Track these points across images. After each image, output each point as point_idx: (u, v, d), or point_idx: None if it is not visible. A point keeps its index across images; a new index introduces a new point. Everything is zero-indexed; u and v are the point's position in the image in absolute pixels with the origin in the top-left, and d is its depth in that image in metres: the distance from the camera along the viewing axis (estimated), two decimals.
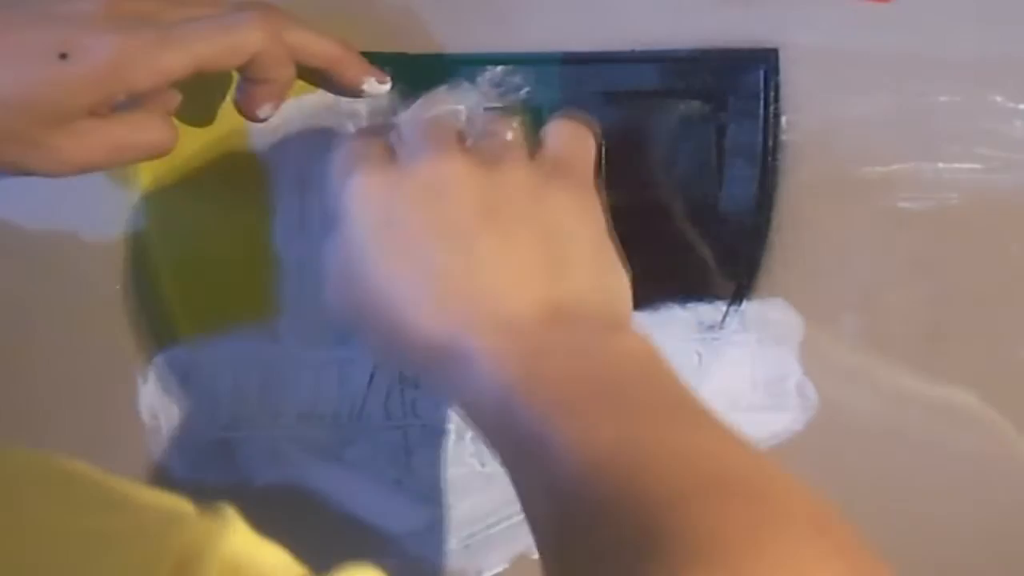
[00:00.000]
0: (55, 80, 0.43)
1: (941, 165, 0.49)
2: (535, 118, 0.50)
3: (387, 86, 0.48)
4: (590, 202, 0.44)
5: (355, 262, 0.42)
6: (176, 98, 0.48)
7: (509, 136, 0.44)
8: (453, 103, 0.50)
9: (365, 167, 0.43)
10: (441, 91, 0.50)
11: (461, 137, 0.44)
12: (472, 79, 0.50)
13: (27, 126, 0.43)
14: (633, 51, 0.50)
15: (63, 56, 0.43)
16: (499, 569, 0.52)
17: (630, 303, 0.43)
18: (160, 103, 0.47)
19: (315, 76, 0.47)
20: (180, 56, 0.43)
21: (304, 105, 0.50)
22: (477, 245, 0.41)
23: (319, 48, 0.46)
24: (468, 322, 0.40)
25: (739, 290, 0.50)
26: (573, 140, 0.45)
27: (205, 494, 0.52)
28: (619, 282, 0.43)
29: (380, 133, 0.45)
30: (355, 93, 0.48)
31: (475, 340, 0.40)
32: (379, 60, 0.49)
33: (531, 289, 0.41)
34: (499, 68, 0.50)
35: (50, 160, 0.44)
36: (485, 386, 0.39)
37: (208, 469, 0.52)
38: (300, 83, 0.49)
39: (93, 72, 0.43)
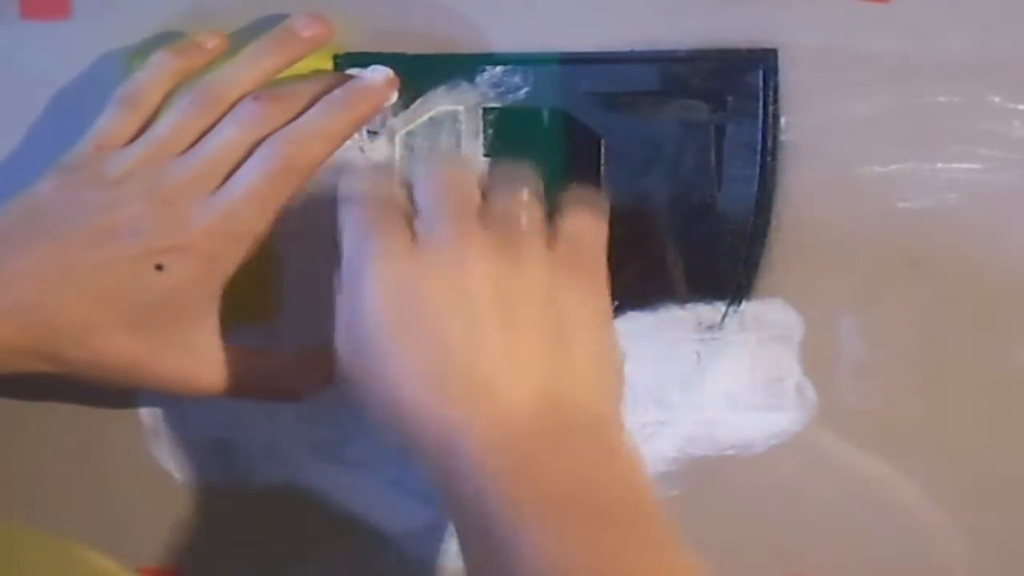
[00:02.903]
0: (164, 290, 0.45)
1: (941, 165, 0.49)
2: (535, 118, 0.50)
3: (396, 92, 0.49)
4: (601, 298, 0.44)
5: (367, 329, 0.42)
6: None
7: (524, 222, 0.44)
8: (452, 103, 0.50)
9: (384, 247, 0.43)
10: (441, 91, 0.50)
11: (479, 209, 0.44)
12: (472, 79, 0.50)
13: (157, 342, 0.45)
14: (633, 51, 0.50)
15: (159, 267, 0.44)
16: None
17: (622, 396, 0.44)
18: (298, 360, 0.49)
19: None
20: (255, 213, 0.45)
21: None
22: (487, 333, 0.41)
23: (339, 129, 0.47)
24: (465, 406, 0.41)
25: (738, 290, 0.50)
26: (588, 231, 0.45)
27: (205, 494, 0.52)
28: (616, 377, 0.44)
29: (390, 192, 0.45)
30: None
31: (469, 426, 0.40)
32: (379, 60, 0.49)
33: (532, 381, 0.41)
34: (499, 68, 0.50)
35: (184, 384, 0.46)
36: (469, 473, 0.40)
37: (208, 469, 0.52)
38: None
39: (197, 271, 0.45)
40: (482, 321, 0.41)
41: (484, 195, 0.45)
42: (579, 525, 0.38)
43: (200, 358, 0.46)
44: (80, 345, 0.44)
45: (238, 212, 0.45)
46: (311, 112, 0.47)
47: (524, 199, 0.45)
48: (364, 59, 0.50)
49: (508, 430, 0.40)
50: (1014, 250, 0.49)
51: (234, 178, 0.45)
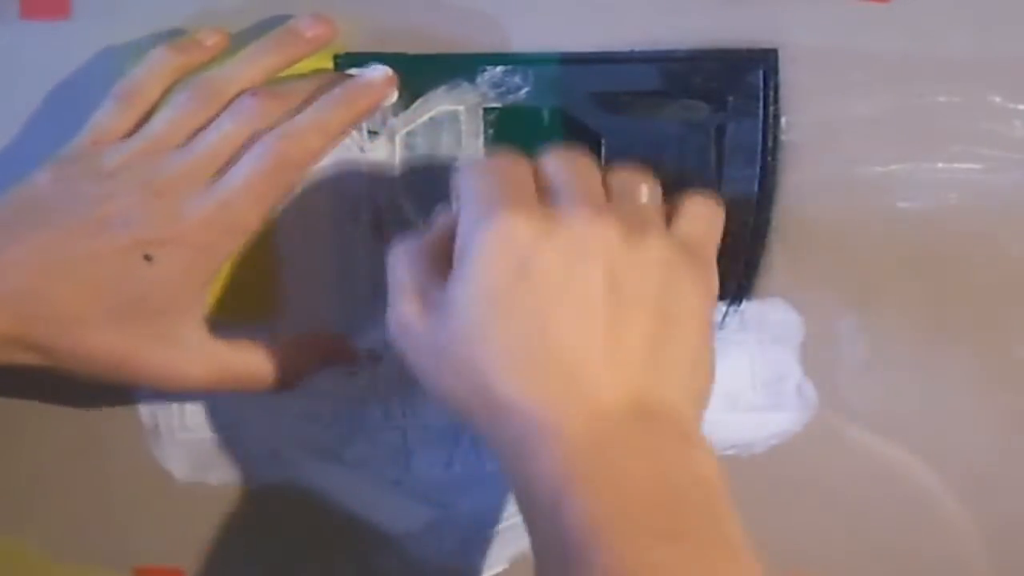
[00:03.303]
0: (152, 282, 0.44)
1: (941, 165, 0.49)
2: (535, 118, 0.50)
3: (395, 91, 0.49)
4: (711, 288, 0.43)
5: (472, 290, 0.40)
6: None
7: (645, 199, 0.43)
8: (452, 103, 0.50)
9: (516, 204, 0.41)
10: (441, 91, 0.50)
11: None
12: (472, 79, 0.50)
13: (145, 334, 0.45)
14: (633, 51, 0.50)
15: (148, 258, 0.44)
16: (499, 569, 0.52)
17: (710, 396, 0.42)
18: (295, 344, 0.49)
19: None
20: (250, 206, 0.45)
21: None
22: (596, 320, 0.39)
23: (336, 125, 0.47)
24: (557, 404, 0.39)
25: (739, 290, 0.50)
26: (709, 224, 0.45)
27: (205, 494, 0.52)
28: (707, 389, 0.42)
29: (521, 163, 0.43)
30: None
31: (559, 427, 0.38)
32: (379, 60, 0.49)
33: (626, 377, 0.39)
34: (499, 68, 0.50)
35: (173, 379, 0.46)
36: (550, 479, 0.38)
37: (208, 469, 0.52)
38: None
39: (186, 263, 0.45)
40: (594, 307, 0.39)
41: (604, 180, 0.44)
42: (658, 542, 0.36)
43: (189, 352, 0.46)
44: (69, 336, 0.44)
45: (232, 205, 0.45)
46: (309, 108, 0.47)
47: (645, 179, 0.44)
48: (364, 59, 0.50)
49: (597, 435, 0.38)
50: (1014, 250, 0.49)
51: (230, 172, 0.45)
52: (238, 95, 0.47)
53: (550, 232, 0.40)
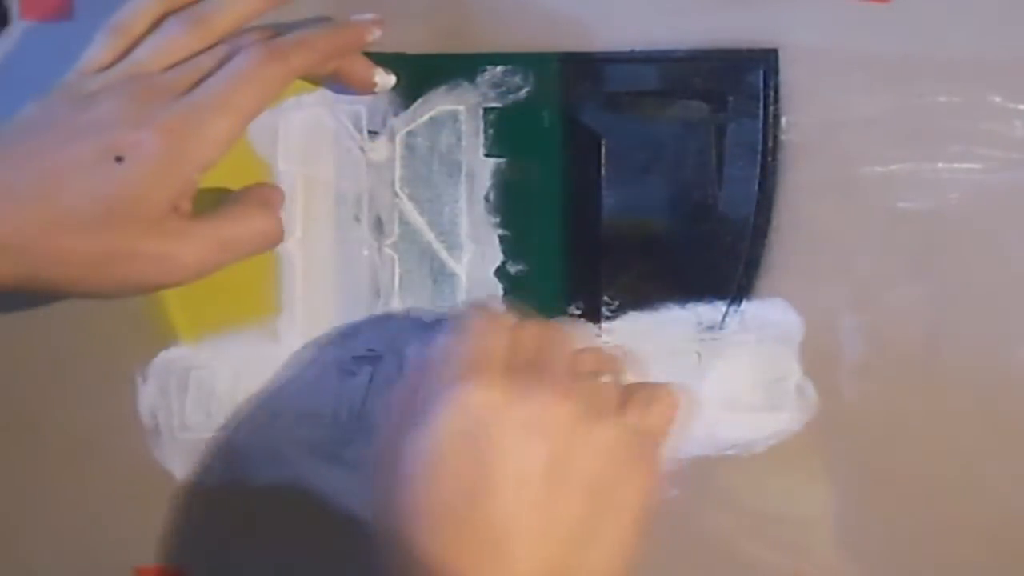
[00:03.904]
0: (122, 183, 0.44)
1: (941, 165, 0.49)
2: (535, 118, 0.50)
3: (393, 78, 0.49)
4: (649, 486, 0.43)
5: (422, 442, 0.41)
6: (279, 194, 0.49)
7: (609, 381, 0.45)
8: (453, 103, 0.50)
9: (480, 375, 0.42)
10: (441, 91, 0.50)
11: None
12: (472, 79, 0.50)
13: (120, 240, 0.44)
14: (633, 51, 0.50)
15: (119, 159, 0.43)
16: None
17: None
18: (256, 197, 0.48)
19: (328, 77, 0.49)
20: (220, 114, 0.45)
21: (303, 104, 0.51)
22: (531, 492, 0.41)
23: (326, 58, 0.47)
24: (476, 559, 0.40)
25: (739, 290, 0.50)
26: (662, 415, 0.45)
27: (205, 494, 0.52)
28: (626, 567, 0.43)
29: (501, 331, 0.45)
30: (368, 89, 0.49)
31: None
32: (379, 60, 0.50)
33: (549, 554, 0.40)
34: (499, 68, 0.50)
35: (164, 269, 0.45)
36: None
37: (208, 469, 0.52)
38: (299, 83, 0.49)
39: (156, 163, 0.44)
40: (532, 482, 0.41)
41: (576, 356, 0.45)
42: None
43: (174, 240, 0.45)
44: (44, 238, 0.43)
45: (201, 110, 0.44)
46: (293, 32, 0.47)
47: (613, 362, 0.45)
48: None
49: None
50: (1014, 250, 0.49)
51: (205, 82, 0.45)
52: (228, 29, 0.47)
53: (508, 405, 0.41)
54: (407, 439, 0.42)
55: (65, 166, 0.44)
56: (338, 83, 0.50)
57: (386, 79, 0.50)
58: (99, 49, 0.47)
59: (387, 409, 0.44)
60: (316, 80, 0.50)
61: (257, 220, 0.47)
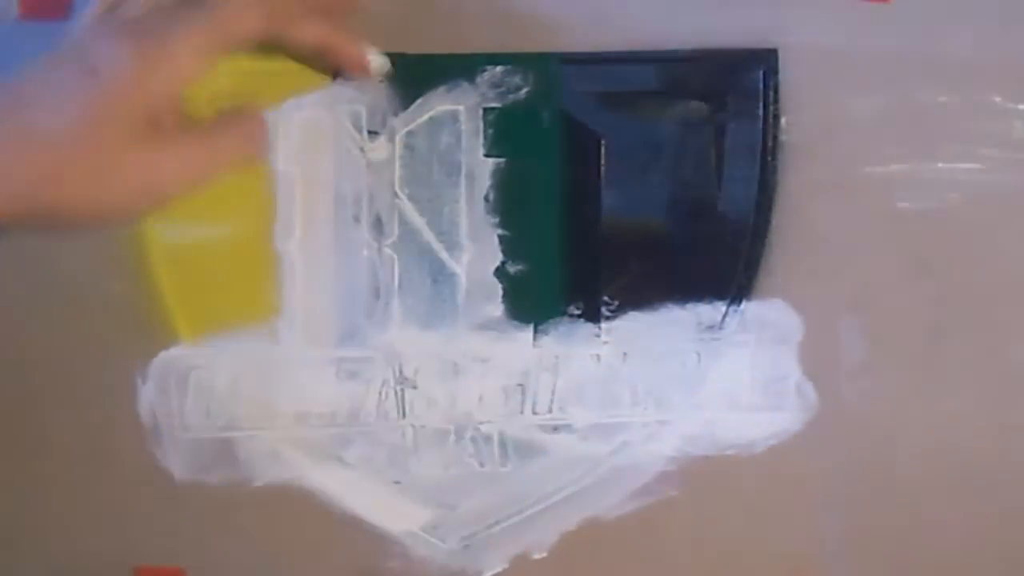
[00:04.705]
0: (96, 93, 0.44)
1: (941, 165, 0.49)
2: (535, 118, 0.50)
3: (388, 62, 0.48)
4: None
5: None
6: (260, 109, 0.48)
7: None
8: (452, 103, 0.50)
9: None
10: (441, 91, 0.50)
11: None
12: (472, 79, 0.50)
13: (105, 152, 0.44)
14: (633, 51, 0.50)
15: (94, 73, 0.44)
16: (499, 569, 0.52)
17: None
18: (239, 110, 0.47)
19: (319, 60, 0.47)
20: (185, 52, 0.44)
21: (303, 104, 0.51)
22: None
23: (308, 11, 0.46)
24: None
25: (739, 290, 0.50)
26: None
27: (205, 494, 0.52)
28: None
29: None
30: (362, 71, 0.48)
31: None
32: None
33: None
34: (499, 68, 0.50)
35: (152, 178, 0.45)
36: None
37: (208, 469, 0.52)
38: (299, 84, 0.49)
39: (129, 72, 0.44)
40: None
41: None
42: None
43: (159, 147, 0.45)
44: (35, 157, 0.44)
45: (177, 23, 0.45)
46: None
47: None
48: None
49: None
50: (1014, 250, 0.49)
51: (180, 15, 0.45)
52: None
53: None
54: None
55: (47, 88, 0.44)
56: (333, 65, 0.48)
57: (381, 61, 0.48)
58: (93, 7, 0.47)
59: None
60: (321, 77, 0.50)
61: (243, 123, 0.47)
